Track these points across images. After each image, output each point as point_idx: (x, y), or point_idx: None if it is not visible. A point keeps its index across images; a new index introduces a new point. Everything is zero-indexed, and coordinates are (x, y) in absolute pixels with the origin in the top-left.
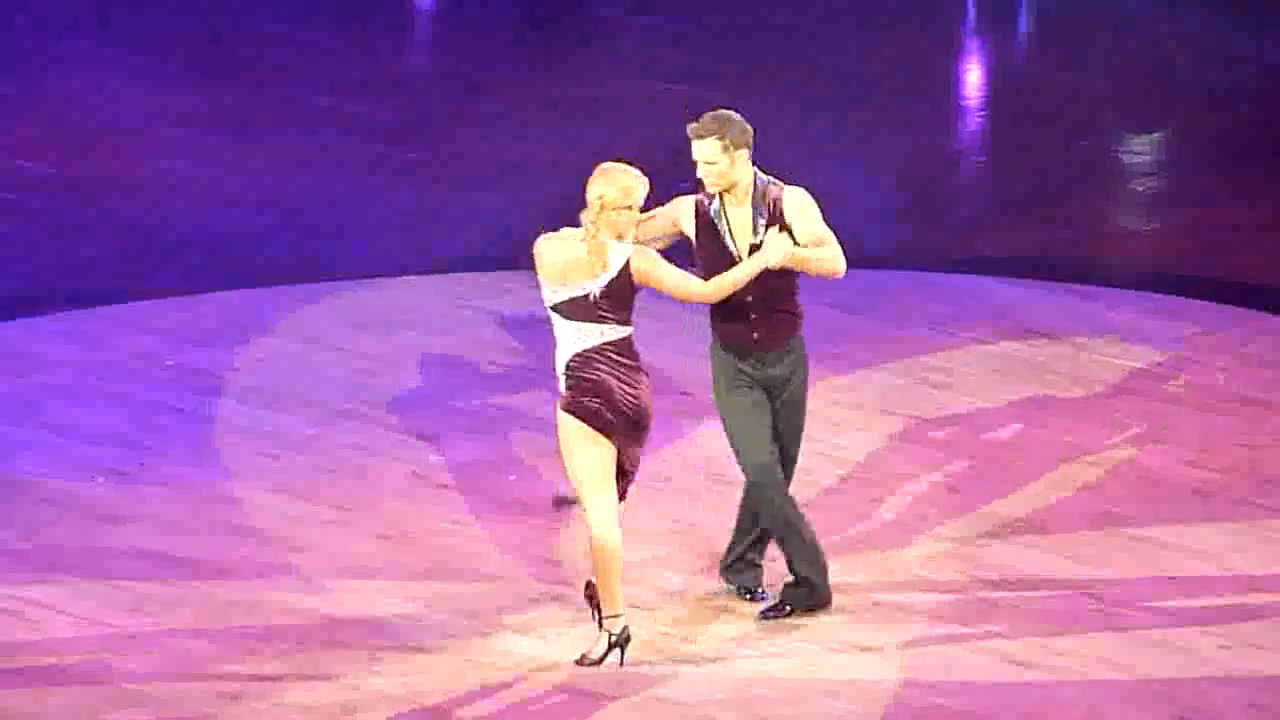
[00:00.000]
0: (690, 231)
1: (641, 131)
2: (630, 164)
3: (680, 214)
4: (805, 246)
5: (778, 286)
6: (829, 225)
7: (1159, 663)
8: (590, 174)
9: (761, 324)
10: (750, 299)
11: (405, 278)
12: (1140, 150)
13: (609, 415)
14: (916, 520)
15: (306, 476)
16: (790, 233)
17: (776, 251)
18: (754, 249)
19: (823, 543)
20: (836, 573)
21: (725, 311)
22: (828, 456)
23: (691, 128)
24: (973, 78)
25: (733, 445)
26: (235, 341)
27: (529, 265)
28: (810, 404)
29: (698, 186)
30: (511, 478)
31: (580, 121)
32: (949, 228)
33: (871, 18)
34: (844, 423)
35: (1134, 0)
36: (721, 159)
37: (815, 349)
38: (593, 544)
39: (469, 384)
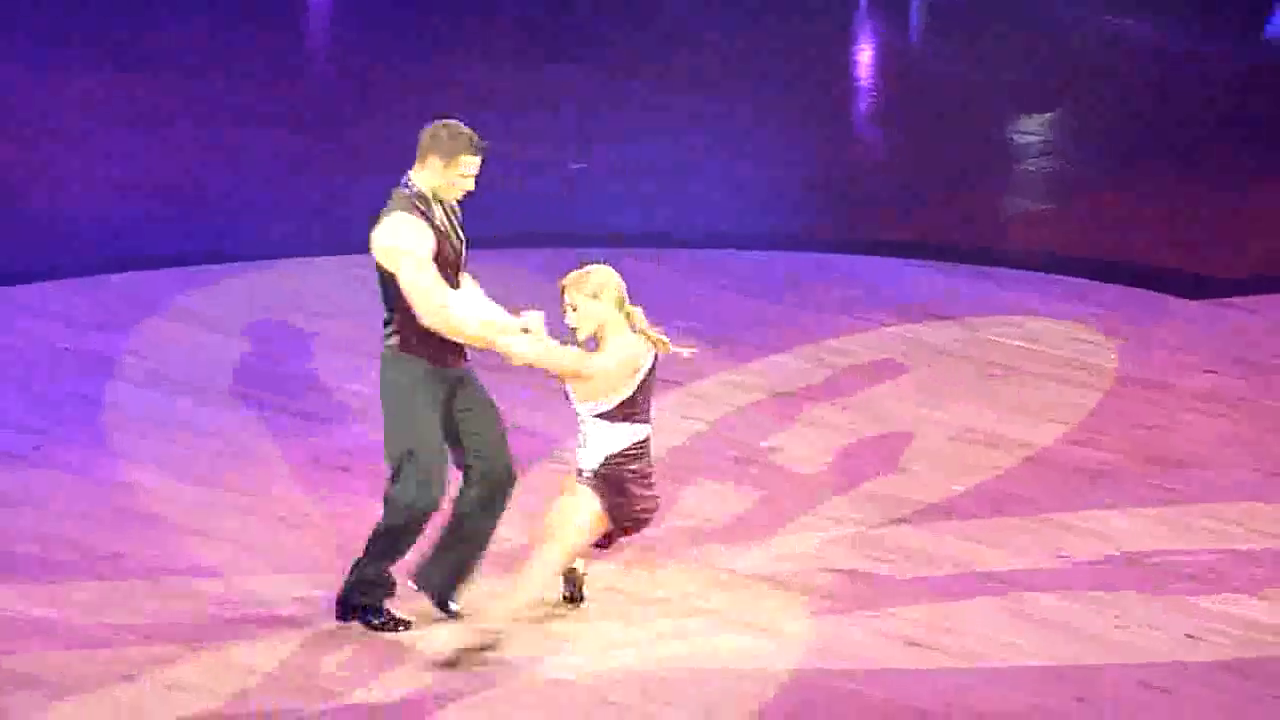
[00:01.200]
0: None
1: (537, 117)
2: None
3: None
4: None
5: None
6: None
7: (1057, 644)
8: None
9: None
10: None
11: (304, 260)
12: (1039, 134)
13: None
14: (815, 503)
15: (205, 461)
16: None
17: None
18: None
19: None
20: (736, 556)
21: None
22: (727, 439)
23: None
24: (872, 61)
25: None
26: (134, 325)
27: None
28: (709, 388)
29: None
30: None
31: (476, 107)
32: (849, 211)
33: (771, 2)
34: (744, 405)
35: None
36: None
37: (715, 333)
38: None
39: (368, 367)
